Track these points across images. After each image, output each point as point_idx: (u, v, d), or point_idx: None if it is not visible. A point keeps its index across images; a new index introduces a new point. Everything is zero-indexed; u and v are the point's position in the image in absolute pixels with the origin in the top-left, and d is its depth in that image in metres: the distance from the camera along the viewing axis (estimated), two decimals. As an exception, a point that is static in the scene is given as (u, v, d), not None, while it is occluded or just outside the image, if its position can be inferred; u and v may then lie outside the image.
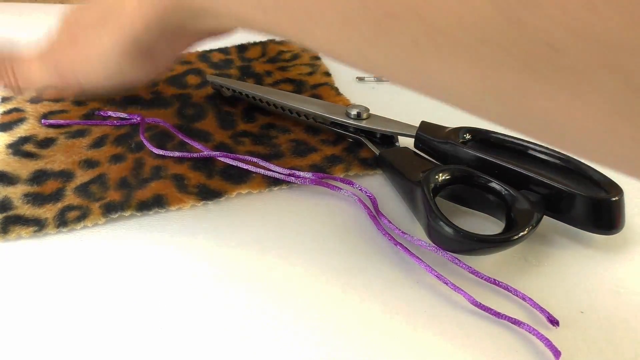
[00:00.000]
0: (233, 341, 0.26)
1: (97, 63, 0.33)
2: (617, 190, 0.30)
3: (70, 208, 0.32)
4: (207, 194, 0.33)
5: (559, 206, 0.30)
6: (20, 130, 0.38)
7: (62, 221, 0.31)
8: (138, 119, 0.38)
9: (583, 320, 0.27)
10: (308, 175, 0.34)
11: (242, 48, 0.50)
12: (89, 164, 0.35)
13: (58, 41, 0.35)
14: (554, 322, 0.26)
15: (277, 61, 0.48)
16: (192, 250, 0.30)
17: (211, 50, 0.49)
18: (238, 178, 0.34)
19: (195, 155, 0.35)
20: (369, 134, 0.37)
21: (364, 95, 0.44)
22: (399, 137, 0.37)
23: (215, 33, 0.33)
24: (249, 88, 0.41)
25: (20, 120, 0.39)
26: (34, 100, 0.41)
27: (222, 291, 0.28)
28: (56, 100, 0.41)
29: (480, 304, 0.27)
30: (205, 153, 0.35)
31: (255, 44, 0.51)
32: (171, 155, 0.36)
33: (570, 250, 0.31)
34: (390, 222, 0.32)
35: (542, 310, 0.27)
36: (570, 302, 0.28)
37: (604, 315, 0.27)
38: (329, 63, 0.48)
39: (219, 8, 0.28)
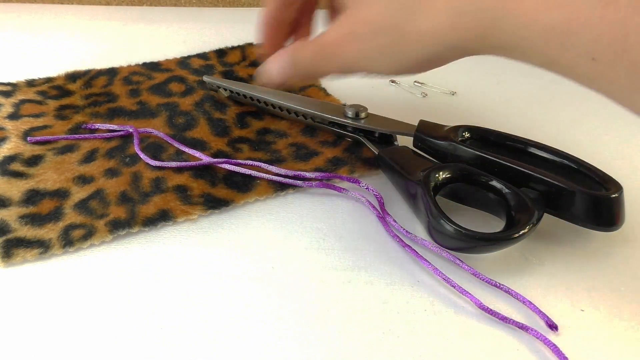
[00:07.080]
0: (233, 340, 0.26)
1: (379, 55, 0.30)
2: (616, 187, 0.30)
3: (73, 227, 0.31)
4: (214, 203, 0.33)
5: (559, 203, 0.30)
6: (4, 150, 0.36)
7: (68, 241, 0.30)
8: (130, 130, 0.37)
9: (584, 319, 0.27)
10: (314, 175, 0.34)
11: (221, 53, 0.49)
12: (83, 179, 0.34)
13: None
14: (553, 326, 0.26)
15: (259, 65, 0.47)
16: (205, 260, 0.30)
17: (189, 57, 0.48)
18: (243, 185, 0.34)
19: (194, 163, 0.35)
20: (368, 133, 0.37)
21: (362, 95, 0.44)
22: (398, 136, 0.37)
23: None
24: (247, 89, 0.40)
25: (2, 140, 0.37)
26: (12, 117, 0.39)
27: (239, 297, 0.28)
28: (36, 116, 0.40)
29: (487, 307, 0.27)
30: (205, 161, 0.35)
31: (233, 48, 0.50)
32: (168, 166, 0.35)
33: (570, 248, 0.31)
34: (395, 221, 0.32)
35: (542, 314, 0.27)
36: (570, 300, 0.28)
37: (604, 313, 0.28)
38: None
39: (532, 49, 0.26)
